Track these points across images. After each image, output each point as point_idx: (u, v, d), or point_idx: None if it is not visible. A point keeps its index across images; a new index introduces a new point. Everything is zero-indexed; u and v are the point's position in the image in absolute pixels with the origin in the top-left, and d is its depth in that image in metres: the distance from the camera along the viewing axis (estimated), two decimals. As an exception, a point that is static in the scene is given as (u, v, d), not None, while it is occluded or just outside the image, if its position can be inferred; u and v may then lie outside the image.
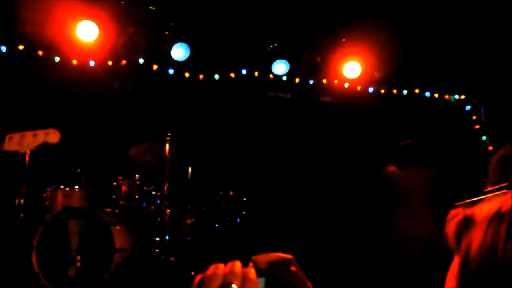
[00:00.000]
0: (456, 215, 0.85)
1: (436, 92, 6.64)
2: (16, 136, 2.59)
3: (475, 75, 6.13)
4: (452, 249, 0.84)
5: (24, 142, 2.59)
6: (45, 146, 2.68)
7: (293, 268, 0.80)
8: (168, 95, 5.90)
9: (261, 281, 0.76)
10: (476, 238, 0.79)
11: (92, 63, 5.55)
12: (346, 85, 6.34)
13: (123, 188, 4.84)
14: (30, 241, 4.11)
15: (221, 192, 5.32)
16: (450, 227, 0.85)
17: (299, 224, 5.84)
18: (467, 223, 0.82)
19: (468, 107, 6.74)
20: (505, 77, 5.68)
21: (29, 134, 2.59)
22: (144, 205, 4.88)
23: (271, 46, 5.95)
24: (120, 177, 4.89)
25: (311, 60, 6.14)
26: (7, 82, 5.20)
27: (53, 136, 2.65)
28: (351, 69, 6.07)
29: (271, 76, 6.10)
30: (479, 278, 0.76)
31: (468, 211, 0.84)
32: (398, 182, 4.49)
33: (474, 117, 6.68)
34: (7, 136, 2.57)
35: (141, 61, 5.68)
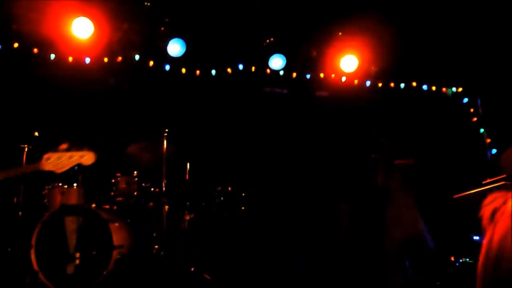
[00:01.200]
0: (493, 200, 0.85)
1: (433, 85, 6.64)
2: (54, 157, 2.66)
3: (472, 67, 6.12)
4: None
5: (60, 164, 2.66)
6: (79, 167, 2.78)
7: None
8: (165, 91, 5.88)
9: None
10: (500, 229, 0.79)
11: (87, 60, 5.53)
12: (343, 79, 6.33)
13: (121, 185, 4.84)
14: (28, 239, 4.11)
15: (219, 188, 5.31)
16: (486, 212, 0.85)
17: (297, 219, 5.84)
18: (496, 213, 0.82)
19: (465, 100, 6.74)
20: (502, 69, 5.68)
21: (65, 156, 2.67)
22: (142, 201, 4.88)
23: (268, 40, 5.93)
24: (118, 174, 4.88)
25: (308, 55, 6.13)
26: (2, 80, 5.17)
27: (87, 159, 2.70)
28: (348, 63, 6.05)
29: (268, 71, 6.08)
30: (496, 269, 0.76)
31: (502, 200, 0.84)
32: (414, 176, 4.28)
33: (471, 110, 6.68)
34: (44, 156, 2.65)
35: (137, 57, 5.66)
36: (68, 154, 2.66)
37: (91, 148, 2.72)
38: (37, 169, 2.65)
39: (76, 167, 2.77)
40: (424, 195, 4.77)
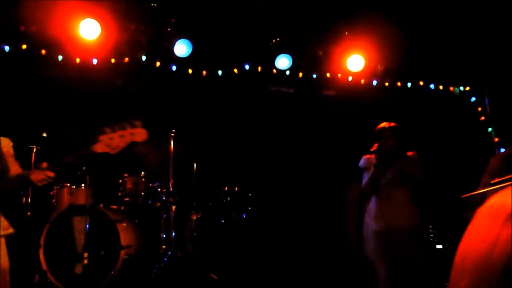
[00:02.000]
0: None
1: (440, 84, 6.60)
2: (105, 138, 2.63)
3: (479, 66, 6.08)
4: None
5: (113, 144, 2.63)
6: (132, 145, 2.71)
7: None
8: (172, 92, 5.90)
9: None
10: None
11: (95, 61, 5.56)
12: (350, 78, 6.31)
13: (129, 185, 4.85)
14: (37, 239, 4.13)
15: (226, 188, 5.32)
16: None
17: (304, 219, 5.84)
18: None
19: (473, 99, 6.69)
20: (509, 68, 5.64)
21: (115, 136, 2.64)
22: (149, 201, 4.89)
23: (274, 40, 5.92)
24: (126, 174, 4.90)
25: (314, 54, 6.12)
26: (10, 82, 5.21)
27: (139, 136, 2.67)
28: (355, 62, 6.04)
29: (274, 71, 6.08)
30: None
31: None
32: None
33: (479, 109, 6.64)
34: (96, 139, 2.63)
35: (143, 58, 5.68)
36: (119, 133, 2.63)
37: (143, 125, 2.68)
38: (90, 152, 2.59)
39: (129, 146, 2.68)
40: (431, 195, 4.74)
